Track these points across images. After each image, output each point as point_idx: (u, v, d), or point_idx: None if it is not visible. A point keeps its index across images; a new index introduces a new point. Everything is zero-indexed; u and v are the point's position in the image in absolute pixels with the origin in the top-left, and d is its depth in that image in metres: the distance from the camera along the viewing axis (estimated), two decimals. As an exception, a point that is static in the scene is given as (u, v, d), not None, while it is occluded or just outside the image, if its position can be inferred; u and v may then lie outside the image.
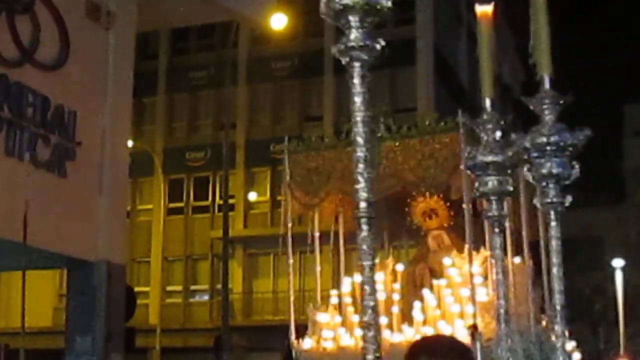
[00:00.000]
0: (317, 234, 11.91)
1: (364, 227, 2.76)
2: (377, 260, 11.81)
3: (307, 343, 11.41)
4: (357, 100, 2.91)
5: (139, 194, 36.30)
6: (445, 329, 10.19)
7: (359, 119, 2.84)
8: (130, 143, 23.66)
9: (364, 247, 2.76)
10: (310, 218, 12.30)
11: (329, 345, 11.22)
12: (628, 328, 33.77)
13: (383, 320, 10.74)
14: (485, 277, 10.64)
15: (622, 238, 43.66)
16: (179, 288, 36.04)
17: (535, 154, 4.33)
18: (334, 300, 11.76)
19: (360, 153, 2.79)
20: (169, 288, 35.78)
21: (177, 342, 32.59)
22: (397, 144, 11.17)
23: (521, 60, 48.87)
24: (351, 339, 11.02)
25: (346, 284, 11.66)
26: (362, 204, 2.76)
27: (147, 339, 28.82)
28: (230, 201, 28.10)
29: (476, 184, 4.30)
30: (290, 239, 11.78)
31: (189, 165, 36.22)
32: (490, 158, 4.41)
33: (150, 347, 30.15)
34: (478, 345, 9.40)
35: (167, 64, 37.16)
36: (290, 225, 11.89)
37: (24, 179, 13.25)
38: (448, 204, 12.06)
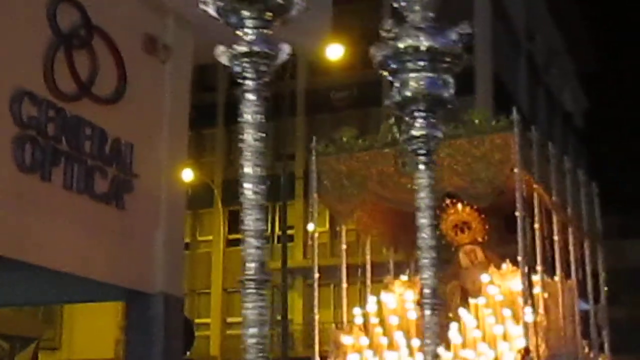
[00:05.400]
0: (344, 246, 11.16)
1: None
2: (405, 278, 11.19)
3: None
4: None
5: (199, 226, 36.47)
6: (488, 353, 9.45)
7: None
8: (189, 175, 23.80)
9: None
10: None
11: None
12: None
13: (415, 342, 9.87)
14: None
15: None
16: (239, 319, 35.88)
17: (396, 66, 3.43)
18: (358, 320, 10.69)
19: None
20: (229, 319, 35.78)
21: (238, 374, 32.58)
22: (441, 145, 10.01)
23: (582, 87, 48.27)
24: (380, 364, 9.88)
25: (371, 302, 10.68)
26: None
27: (208, 370, 28.80)
28: (290, 232, 28.08)
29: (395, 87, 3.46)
30: (316, 251, 11.09)
31: (249, 196, 36.30)
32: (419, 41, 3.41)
33: (211, 379, 30.13)
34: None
35: (225, 96, 37.39)
36: (316, 235, 11.18)
37: (82, 212, 13.32)
38: (482, 216, 11.05)
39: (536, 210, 9.68)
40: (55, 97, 13.03)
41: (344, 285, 10.81)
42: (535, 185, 9.76)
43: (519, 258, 9.41)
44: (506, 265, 10.25)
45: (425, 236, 3.54)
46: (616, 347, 11.99)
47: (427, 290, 3.56)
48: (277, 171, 29.44)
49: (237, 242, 36.80)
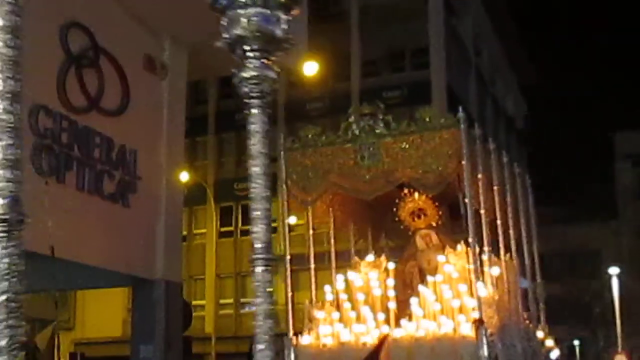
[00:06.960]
0: (310, 232, 11.03)
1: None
2: (371, 259, 10.88)
3: (306, 339, 10.15)
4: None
5: (194, 220, 36.33)
6: (447, 323, 9.35)
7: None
8: (185, 176, 23.73)
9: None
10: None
11: (328, 341, 9.89)
12: (625, 328, 33.24)
13: (380, 316, 9.86)
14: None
15: (617, 250, 43.24)
16: (231, 301, 35.89)
17: (225, 2, 2.89)
18: (329, 297, 10.50)
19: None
20: (222, 301, 35.68)
21: (229, 348, 32.44)
22: (396, 140, 9.71)
23: (523, 95, 48.55)
24: (350, 335, 9.82)
25: (340, 281, 10.50)
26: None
27: (204, 346, 28.74)
28: (274, 224, 28.05)
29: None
30: (287, 240, 10.88)
31: (237, 194, 36.14)
32: None
33: (206, 353, 30.04)
34: (484, 338, 8.80)
35: (215, 107, 37.25)
36: (287, 221, 10.65)
37: (94, 210, 13.27)
38: (436, 204, 10.96)
39: (482, 198, 9.60)
40: (67, 110, 12.98)
41: (312, 266, 10.70)
42: (479, 175, 9.69)
43: (470, 240, 9.21)
44: (461, 247, 10.22)
45: (257, 185, 2.92)
46: (555, 318, 12.01)
47: (258, 245, 2.86)
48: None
49: (227, 234, 36.78)
